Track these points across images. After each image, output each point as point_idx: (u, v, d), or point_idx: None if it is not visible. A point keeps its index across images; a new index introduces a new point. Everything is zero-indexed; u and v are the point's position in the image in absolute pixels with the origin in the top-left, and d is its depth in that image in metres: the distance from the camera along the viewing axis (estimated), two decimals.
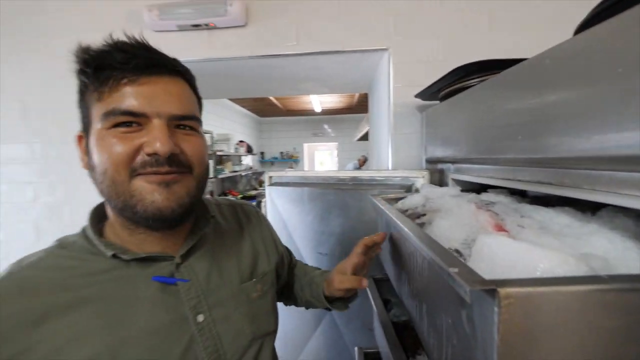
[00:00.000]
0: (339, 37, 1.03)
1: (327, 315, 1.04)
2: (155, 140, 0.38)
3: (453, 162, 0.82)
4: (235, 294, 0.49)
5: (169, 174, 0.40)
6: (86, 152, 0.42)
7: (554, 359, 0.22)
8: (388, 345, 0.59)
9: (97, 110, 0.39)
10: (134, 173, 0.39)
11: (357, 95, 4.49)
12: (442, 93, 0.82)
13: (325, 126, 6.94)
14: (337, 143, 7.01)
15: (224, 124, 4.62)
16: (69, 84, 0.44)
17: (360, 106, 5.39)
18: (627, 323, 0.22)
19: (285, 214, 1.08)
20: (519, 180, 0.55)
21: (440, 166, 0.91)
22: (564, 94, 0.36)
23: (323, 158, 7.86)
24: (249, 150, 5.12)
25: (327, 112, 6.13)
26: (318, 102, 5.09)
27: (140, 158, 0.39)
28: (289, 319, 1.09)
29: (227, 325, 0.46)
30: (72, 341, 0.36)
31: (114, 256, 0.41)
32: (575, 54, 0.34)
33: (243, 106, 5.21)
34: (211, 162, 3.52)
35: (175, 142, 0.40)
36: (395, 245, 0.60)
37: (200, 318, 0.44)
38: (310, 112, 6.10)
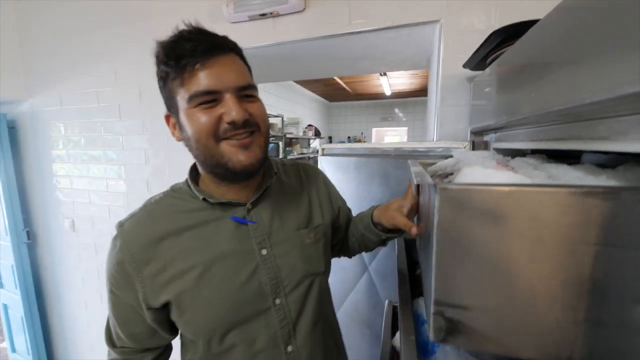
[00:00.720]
0: (390, 14, 1.06)
1: (365, 273, 1.14)
2: (231, 110, 0.48)
3: (495, 130, 0.81)
4: (291, 238, 0.60)
5: (246, 138, 0.51)
6: (175, 127, 0.54)
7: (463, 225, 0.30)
8: (398, 289, 0.66)
9: (182, 94, 0.49)
10: (219, 139, 0.50)
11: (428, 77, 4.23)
12: (489, 59, 0.81)
13: (396, 110, 6.72)
14: (407, 128, 6.74)
15: (294, 108, 4.93)
16: None
17: None
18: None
19: (333, 181, 1.20)
20: (552, 140, 0.54)
21: (485, 138, 0.90)
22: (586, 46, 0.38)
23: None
24: (317, 134, 5.35)
25: (397, 95, 5.92)
26: (387, 84, 4.97)
27: (222, 126, 0.49)
28: (333, 275, 1.23)
29: (284, 260, 0.58)
30: (180, 255, 0.53)
31: (204, 200, 0.55)
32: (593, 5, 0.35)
33: (313, 91, 5.44)
34: (280, 144, 3.83)
35: (244, 108, 0.50)
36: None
37: (264, 252, 0.57)
38: (380, 96, 5.99)
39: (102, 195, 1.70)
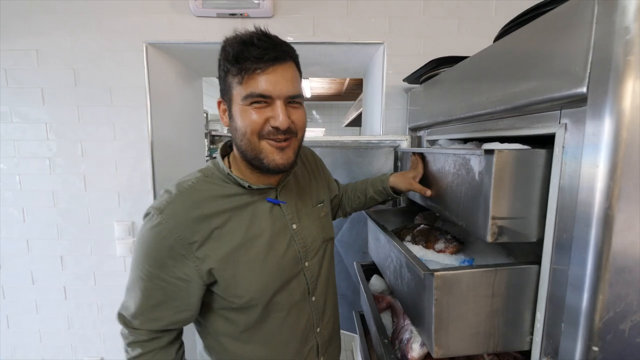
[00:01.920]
0: (346, 31, 1.32)
1: None
2: (278, 116, 0.56)
3: (427, 127, 1.15)
4: (311, 213, 0.75)
5: (284, 142, 0.59)
6: (225, 113, 0.62)
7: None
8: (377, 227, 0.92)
9: (238, 91, 0.56)
10: (261, 137, 0.58)
11: (346, 82, 4.75)
12: (422, 78, 1.14)
13: (314, 112, 7.18)
14: (324, 129, 7.29)
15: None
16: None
17: (348, 94, 5.66)
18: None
19: None
20: (462, 132, 0.87)
21: (419, 133, 1.24)
22: (487, 78, 0.68)
23: None
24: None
25: (316, 98, 6.35)
26: (308, 87, 5.31)
27: (266, 127, 0.57)
28: None
29: (309, 231, 0.72)
30: (228, 234, 0.60)
31: (248, 187, 0.63)
32: (489, 56, 0.66)
33: None
34: (205, 142, 3.70)
35: (289, 115, 0.58)
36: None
37: (294, 226, 0.69)
38: None
39: (11, 195, 1.41)
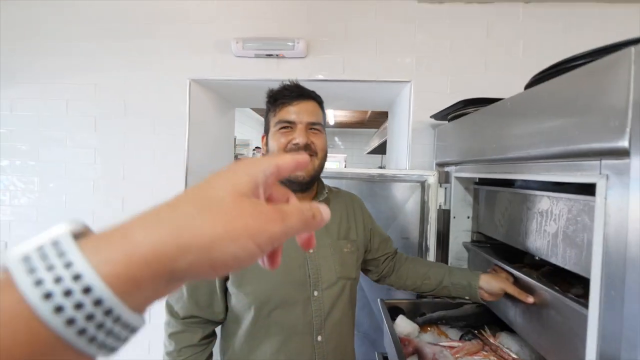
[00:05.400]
0: (374, 70, 1.38)
1: None
2: (299, 136, 0.71)
3: (455, 164, 1.15)
4: (332, 244, 0.77)
5: None
6: (264, 144, 0.77)
7: None
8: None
9: (272, 121, 0.74)
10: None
11: (369, 112, 4.85)
12: (450, 116, 1.16)
13: (336, 139, 7.32)
14: (346, 155, 7.38)
15: (245, 130, 4.99)
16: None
17: (371, 122, 5.77)
18: None
19: None
20: (494, 172, 0.87)
21: (446, 168, 1.24)
22: (522, 123, 0.69)
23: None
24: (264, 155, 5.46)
25: (339, 125, 6.50)
26: (332, 115, 5.48)
27: (289, 146, 0.71)
28: None
29: (325, 261, 0.74)
30: None
31: None
32: (523, 101, 0.68)
33: (262, 115, 5.59)
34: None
35: (309, 137, 0.72)
36: None
37: (311, 250, 0.72)
38: None
39: (54, 211, 1.52)
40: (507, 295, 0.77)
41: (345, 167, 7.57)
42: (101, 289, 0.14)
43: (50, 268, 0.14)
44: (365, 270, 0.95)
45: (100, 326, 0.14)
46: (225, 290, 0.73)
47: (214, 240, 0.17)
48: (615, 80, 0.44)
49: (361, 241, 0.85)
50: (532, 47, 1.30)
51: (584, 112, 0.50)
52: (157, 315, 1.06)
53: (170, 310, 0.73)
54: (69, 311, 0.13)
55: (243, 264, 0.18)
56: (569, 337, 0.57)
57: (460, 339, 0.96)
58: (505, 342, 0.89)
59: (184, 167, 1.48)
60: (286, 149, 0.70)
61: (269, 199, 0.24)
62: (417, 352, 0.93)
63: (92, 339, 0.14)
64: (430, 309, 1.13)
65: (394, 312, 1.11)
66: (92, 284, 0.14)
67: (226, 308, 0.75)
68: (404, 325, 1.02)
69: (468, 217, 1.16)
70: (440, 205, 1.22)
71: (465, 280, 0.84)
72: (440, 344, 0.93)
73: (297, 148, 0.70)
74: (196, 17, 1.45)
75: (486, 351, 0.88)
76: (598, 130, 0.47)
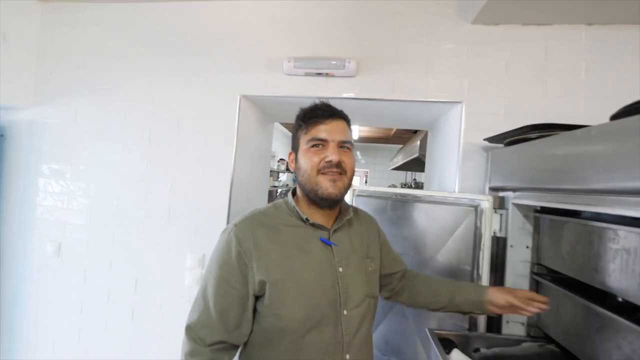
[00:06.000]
0: (424, 91, 1.37)
1: (396, 305, 1.30)
2: (332, 154, 0.71)
3: (513, 190, 1.10)
4: (359, 263, 0.78)
5: (335, 175, 0.72)
6: (293, 161, 0.78)
7: None
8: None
9: (303, 139, 0.75)
10: (318, 172, 0.72)
11: (394, 128, 4.82)
12: (507, 140, 1.12)
13: (358, 153, 7.31)
14: (367, 170, 7.33)
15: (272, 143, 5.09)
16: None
17: (396, 138, 5.72)
18: None
19: None
20: (559, 202, 0.82)
21: (501, 193, 1.19)
22: (596, 155, 0.65)
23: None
24: (287, 169, 5.53)
25: (363, 140, 6.49)
26: (357, 129, 5.48)
27: (322, 164, 0.72)
28: None
29: (353, 280, 0.75)
30: (282, 257, 0.69)
31: (304, 220, 0.74)
32: (609, 133, 0.64)
33: (289, 129, 5.69)
34: (270, 179, 3.91)
35: (340, 155, 0.72)
36: None
37: (341, 269, 0.73)
38: None
39: (106, 216, 1.59)
40: (587, 332, 0.72)
41: (366, 182, 7.50)
42: None
43: None
44: (379, 287, 0.94)
45: None
46: (254, 310, 0.71)
47: None
48: None
49: (378, 258, 0.87)
50: (596, 71, 1.25)
51: None
52: None
53: (194, 336, 0.67)
54: None
55: None
56: None
57: None
58: None
59: (230, 180, 1.51)
60: (319, 168, 0.72)
61: None
62: None
63: None
64: (483, 343, 1.07)
65: (444, 344, 1.05)
66: None
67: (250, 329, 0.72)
68: None
69: (527, 247, 1.10)
70: (494, 232, 1.17)
71: (475, 295, 0.86)
72: None
73: (330, 165, 0.71)
74: (250, 37, 1.50)
75: None
76: None
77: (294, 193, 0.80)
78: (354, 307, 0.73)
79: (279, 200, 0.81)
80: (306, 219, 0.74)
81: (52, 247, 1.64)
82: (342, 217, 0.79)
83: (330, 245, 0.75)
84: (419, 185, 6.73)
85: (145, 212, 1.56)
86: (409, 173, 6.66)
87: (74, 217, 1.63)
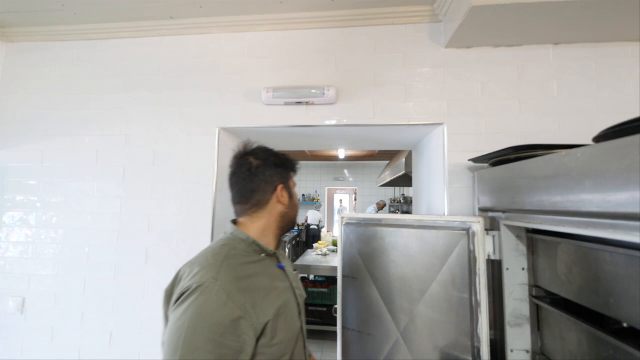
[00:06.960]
0: (404, 113, 1.37)
1: (399, 343, 1.22)
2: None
3: (504, 211, 1.08)
4: (297, 277, 0.87)
5: None
6: (283, 195, 0.82)
7: None
8: None
9: (292, 182, 0.88)
10: None
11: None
12: (493, 160, 1.12)
13: (345, 171, 7.33)
14: (356, 187, 7.33)
15: None
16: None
17: (381, 154, 5.79)
18: None
19: (354, 249, 1.32)
20: (549, 224, 0.80)
21: (491, 214, 1.17)
22: (582, 176, 0.64)
23: (343, 201, 8.11)
24: None
25: (350, 159, 6.54)
26: (343, 149, 5.53)
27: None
28: (356, 344, 1.27)
29: (300, 292, 0.84)
30: (262, 292, 0.71)
31: (265, 253, 0.77)
32: (594, 155, 0.62)
33: None
34: None
35: None
36: None
37: (294, 284, 0.82)
38: (333, 158, 6.53)
39: (77, 265, 1.46)
40: None
41: (355, 199, 7.49)
42: None
43: None
44: None
45: None
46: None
47: None
48: None
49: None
50: (566, 88, 1.29)
51: None
52: None
53: None
54: None
55: None
56: None
57: None
58: None
59: (211, 216, 1.43)
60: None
61: None
62: None
63: None
64: None
65: None
66: None
67: None
68: None
69: (523, 269, 1.06)
70: (489, 255, 1.13)
71: None
72: None
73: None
74: (226, 68, 1.48)
75: None
76: None
77: (236, 225, 0.81)
78: (304, 313, 0.84)
79: (227, 240, 0.76)
80: (271, 251, 0.78)
81: (15, 303, 1.48)
82: (281, 245, 0.89)
83: (283, 269, 0.82)
84: (407, 201, 6.76)
85: (120, 256, 1.45)
86: (397, 189, 6.70)
87: (40, 268, 1.49)
